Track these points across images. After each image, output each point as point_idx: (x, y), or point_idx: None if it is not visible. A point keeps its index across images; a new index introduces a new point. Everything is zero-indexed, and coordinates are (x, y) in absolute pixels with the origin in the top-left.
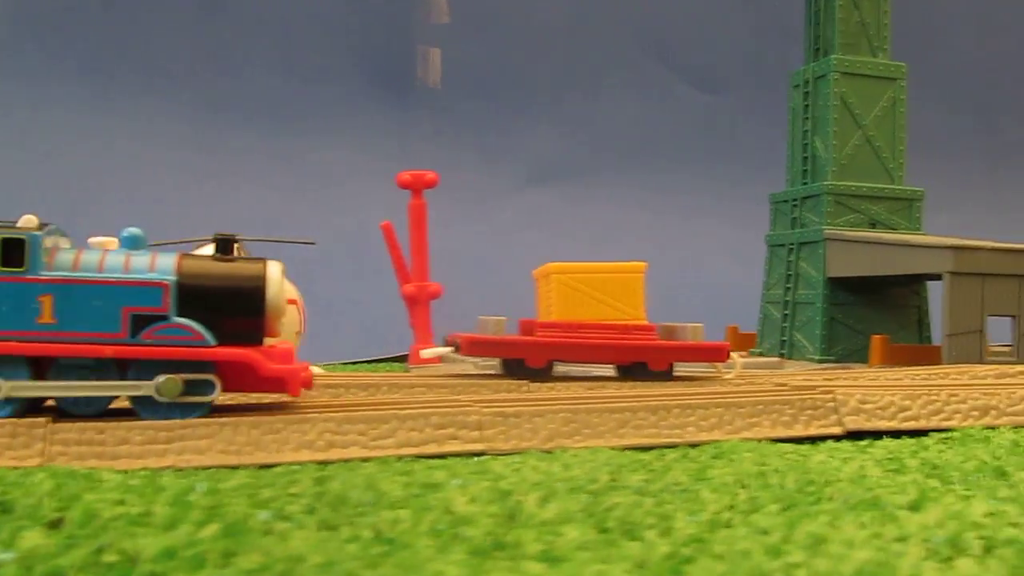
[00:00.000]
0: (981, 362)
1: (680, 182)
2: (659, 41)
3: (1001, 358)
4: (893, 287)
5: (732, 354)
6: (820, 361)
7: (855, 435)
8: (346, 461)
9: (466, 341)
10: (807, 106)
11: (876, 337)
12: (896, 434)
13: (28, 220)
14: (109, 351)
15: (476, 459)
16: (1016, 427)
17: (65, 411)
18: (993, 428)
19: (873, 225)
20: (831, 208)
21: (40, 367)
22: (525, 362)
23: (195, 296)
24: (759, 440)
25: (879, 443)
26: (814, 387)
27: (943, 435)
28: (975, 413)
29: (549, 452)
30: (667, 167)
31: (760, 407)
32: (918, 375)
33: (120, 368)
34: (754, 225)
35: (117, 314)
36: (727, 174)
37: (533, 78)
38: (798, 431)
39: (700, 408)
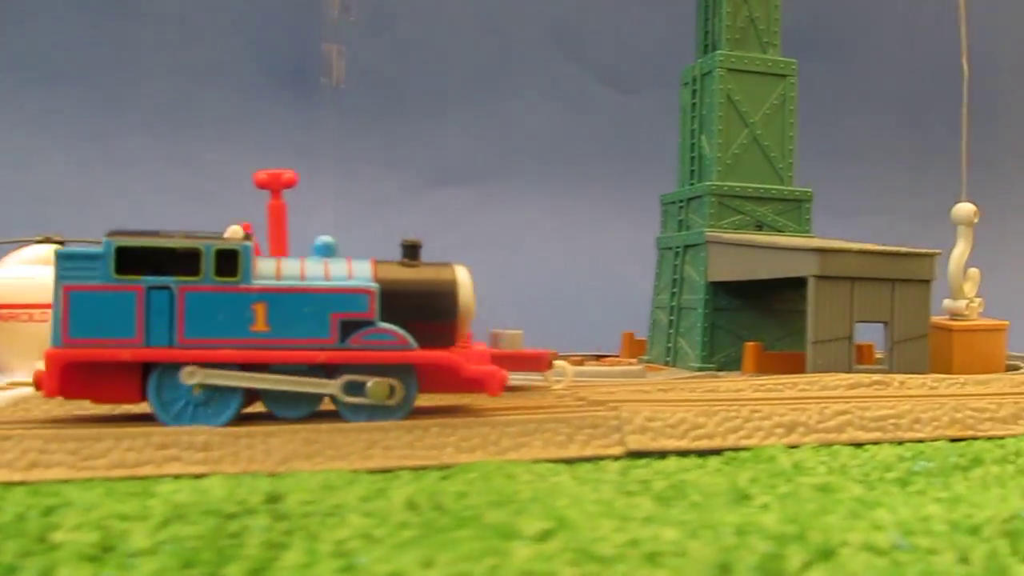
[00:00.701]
0: (850, 371)
1: (593, 184)
2: (573, 39)
3: (878, 367)
4: (777, 291)
5: (561, 363)
6: (700, 369)
7: (650, 455)
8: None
9: None
10: (695, 104)
11: (749, 344)
12: (686, 454)
13: (235, 231)
14: (321, 356)
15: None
16: (823, 444)
17: (274, 416)
18: (797, 446)
19: (759, 227)
20: (714, 209)
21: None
22: None
23: (393, 301)
24: (532, 461)
25: (656, 464)
26: (605, 403)
27: (732, 455)
28: (779, 430)
29: (278, 475)
30: (580, 168)
31: (532, 426)
32: (745, 388)
33: (327, 373)
34: None
35: (327, 320)
36: (641, 176)
37: (441, 77)
38: (573, 452)
39: (463, 428)
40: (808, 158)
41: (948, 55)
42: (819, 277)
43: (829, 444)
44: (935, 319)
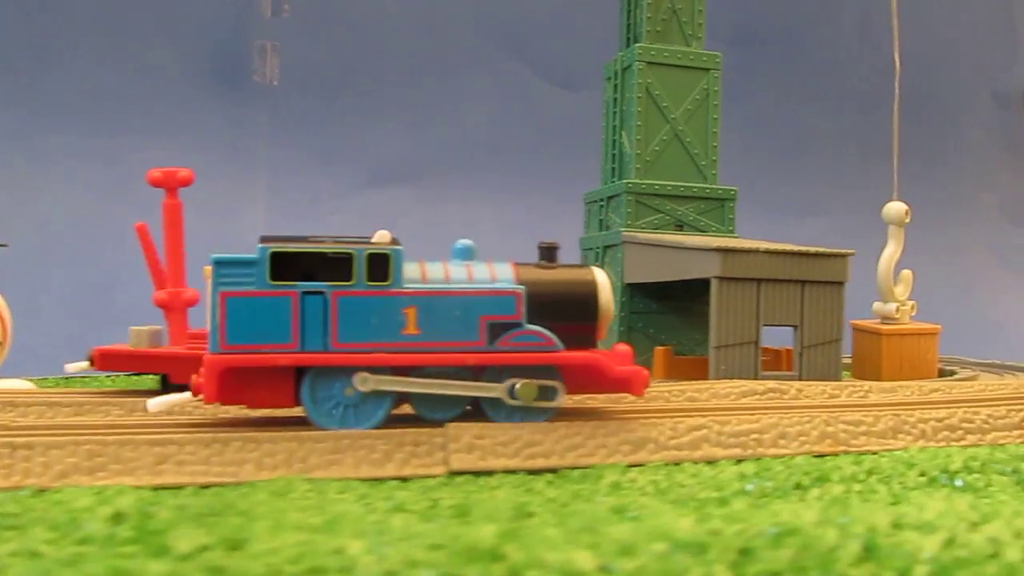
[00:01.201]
0: (756, 377)
1: (536, 183)
2: (516, 35)
3: (789, 374)
4: (698, 294)
5: None
6: None
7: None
8: None
9: (100, 354)
10: (616, 99)
11: (658, 349)
12: (517, 473)
13: (383, 235)
14: (472, 359)
15: None
16: (673, 463)
17: (421, 418)
18: (641, 465)
19: (680, 227)
20: (631, 208)
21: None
22: (169, 378)
23: (535, 303)
24: (340, 479)
25: (479, 481)
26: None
27: (565, 474)
28: (625, 447)
29: (54, 490)
30: (522, 166)
31: (346, 442)
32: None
33: (474, 376)
34: None
35: (475, 323)
36: (586, 174)
37: (380, 74)
38: (390, 471)
39: (267, 442)
40: (757, 155)
41: (903, 52)
42: (721, 278)
43: (679, 462)
44: (864, 323)
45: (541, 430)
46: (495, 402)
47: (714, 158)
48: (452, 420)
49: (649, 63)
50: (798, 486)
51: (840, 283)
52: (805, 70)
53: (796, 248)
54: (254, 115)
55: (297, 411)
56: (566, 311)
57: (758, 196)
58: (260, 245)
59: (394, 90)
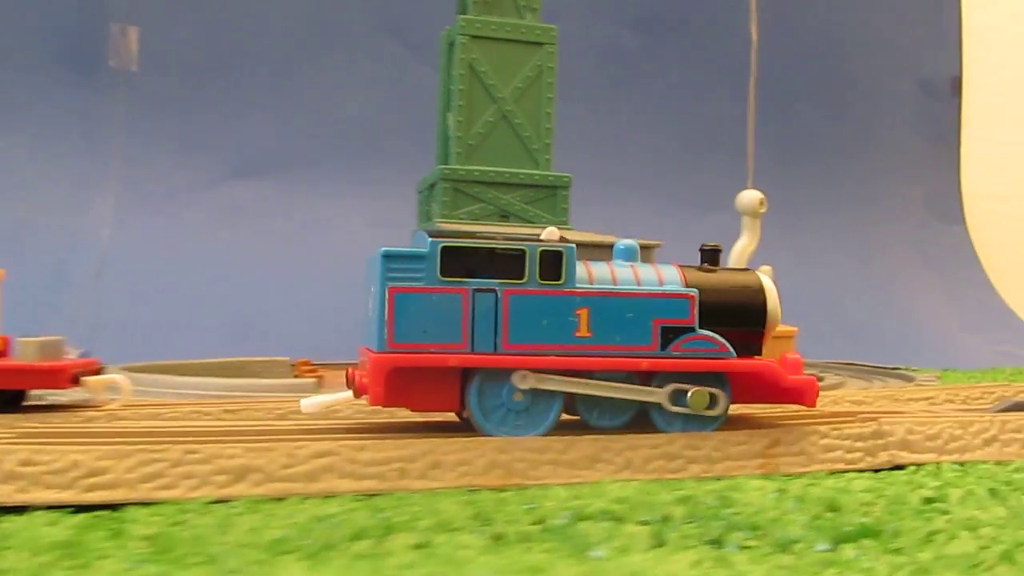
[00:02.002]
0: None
1: (415, 174)
2: (396, 16)
3: None
4: None
5: (114, 376)
6: None
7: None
8: None
9: None
10: (445, 77)
11: None
12: (87, 508)
13: (552, 232)
14: (644, 364)
15: None
16: (280, 497)
17: (588, 424)
18: (233, 500)
19: (505, 217)
20: (448, 197)
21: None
22: None
23: (703, 307)
24: None
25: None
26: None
27: (118, 513)
28: (221, 477)
29: None
30: (402, 155)
31: None
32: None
33: (643, 381)
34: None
35: (648, 326)
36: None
37: (246, 58)
38: None
39: None
40: (661, 145)
41: (822, 37)
42: None
43: (285, 496)
44: None
45: (115, 454)
46: (662, 409)
47: (547, 141)
48: (620, 427)
49: (473, 37)
50: (358, 536)
51: None
52: (713, 57)
53: (590, 237)
54: (109, 103)
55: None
56: (733, 316)
57: (660, 188)
58: (430, 240)
59: (263, 75)
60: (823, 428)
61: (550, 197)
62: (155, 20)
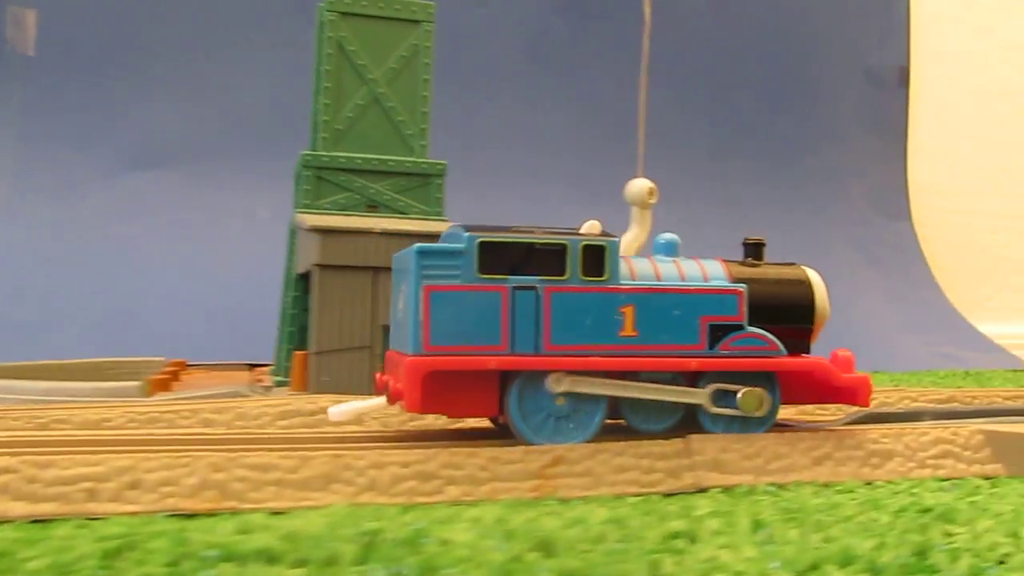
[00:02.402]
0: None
1: None
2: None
3: None
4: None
5: None
6: (280, 384)
7: None
8: None
9: None
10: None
11: (297, 353)
12: None
13: (593, 226)
14: (693, 364)
15: None
16: None
17: (634, 429)
18: None
19: (374, 207)
20: (311, 185)
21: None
22: None
23: (751, 304)
24: None
25: None
26: None
27: None
28: None
29: None
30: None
31: None
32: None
33: (690, 382)
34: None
35: (696, 324)
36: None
37: (150, 42)
38: None
39: None
40: (585, 135)
41: (763, 24)
42: (323, 266)
43: None
44: None
45: None
46: (709, 412)
47: (423, 126)
48: (666, 431)
49: (343, 14)
50: None
51: None
52: (636, 44)
53: (432, 228)
54: (4, 88)
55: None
56: (780, 312)
57: (582, 178)
58: (466, 234)
59: (166, 62)
60: (618, 445)
61: (423, 186)
62: (54, 3)
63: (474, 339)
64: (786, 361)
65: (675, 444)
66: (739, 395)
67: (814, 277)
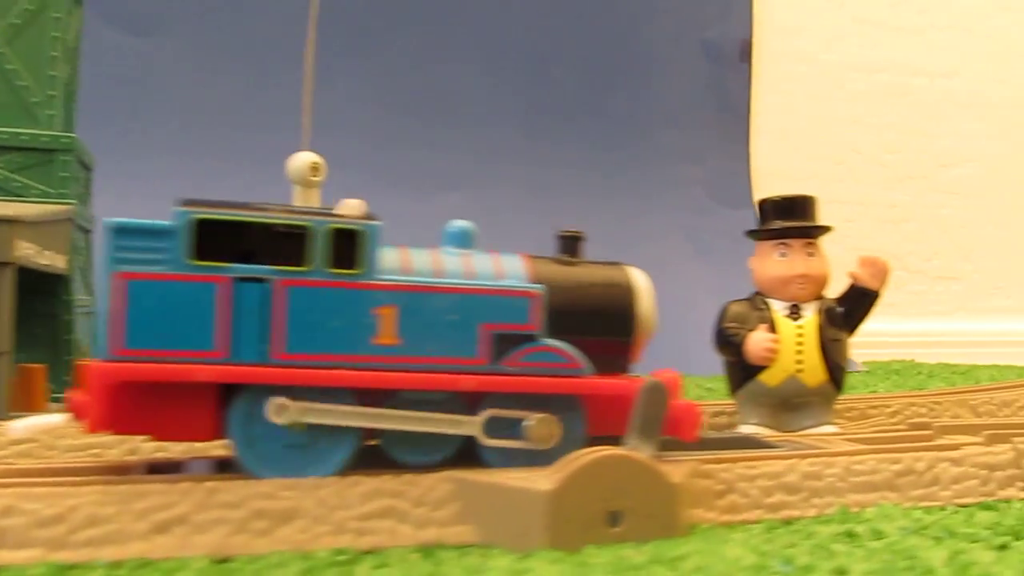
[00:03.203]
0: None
1: (99, 143)
2: None
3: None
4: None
5: None
6: None
7: None
8: None
9: None
10: None
11: (26, 367)
12: None
13: (353, 205)
14: (469, 382)
15: None
16: None
17: (398, 462)
18: None
19: None
20: None
21: (373, 403)
22: None
23: (551, 310)
24: None
25: None
26: None
27: None
28: None
29: None
30: (88, 127)
31: None
32: None
33: (467, 405)
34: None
35: (474, 333)
36: (153, 132)
37: None
38: None
39: None
40: (391, 118)
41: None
42: None
43: None
44: None
45: None
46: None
47: (52, 93)
48: (437, 463)
49: None
50: None
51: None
52: (444, 21)
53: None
54: None
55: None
56: (592, 322)
57: (385, 166)
58: (179, 209)
59: None
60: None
61: (46, 164)
62: None
63: (183, 343)
64: (591, 382)
65: None
66: (528, 423)
67: (639, 280)
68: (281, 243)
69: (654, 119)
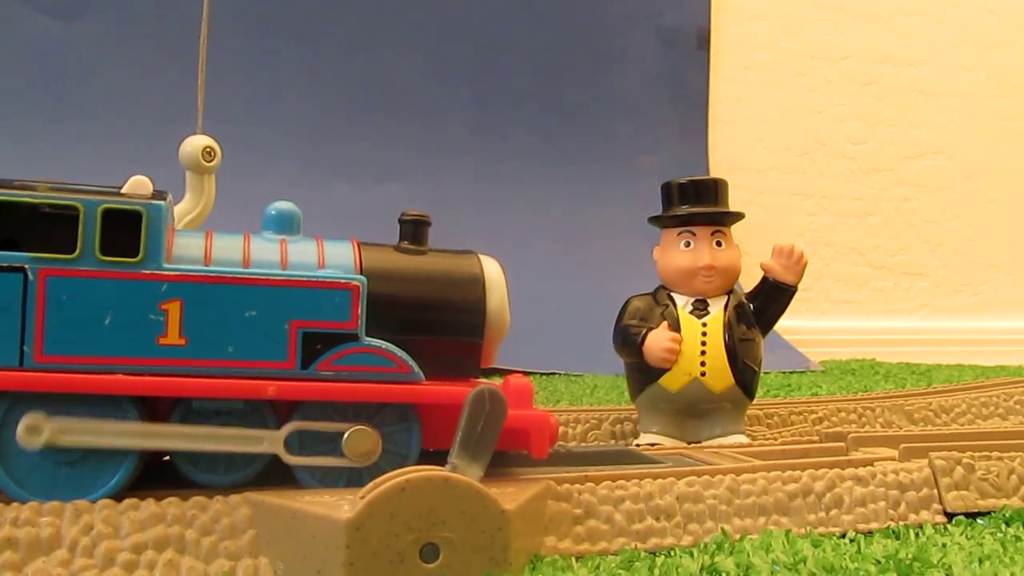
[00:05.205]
0: None
1: (33, 132)
2: None
3: None
4: None
5: None
6: None
7: None
8: None
9: None
10: None
11: None
12: None
13: (139, 183)
14: (271, 389)
15: None
16: None
17: (194, 482)
18: None
19: None
20: None
21: (158, 414)
22: None
23: (385, 305)
24: None
25: None
26: None
27: None
28: None
29: None
30: (14, 116)
31: None
32: None
33: (278, 415)
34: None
35: (282, 332)
36: (80, 117)
37: None
38: None
39: None
40: (326, 107)
41: None
42: None
43: None
44: None
45: None
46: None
47: None
48: (241, 483)
49: None
50: None
51: None
52: (386, 5)
53: None
54: None
55: None
56: (435, 319)
57: (323, 156)
58: None
59: None
60: None
61: None
62: None
63: None
64: (422, 389)
65: None
66: (346, 436)
67: (492, 272)
68: (50, 227)
69: (608, 108)
